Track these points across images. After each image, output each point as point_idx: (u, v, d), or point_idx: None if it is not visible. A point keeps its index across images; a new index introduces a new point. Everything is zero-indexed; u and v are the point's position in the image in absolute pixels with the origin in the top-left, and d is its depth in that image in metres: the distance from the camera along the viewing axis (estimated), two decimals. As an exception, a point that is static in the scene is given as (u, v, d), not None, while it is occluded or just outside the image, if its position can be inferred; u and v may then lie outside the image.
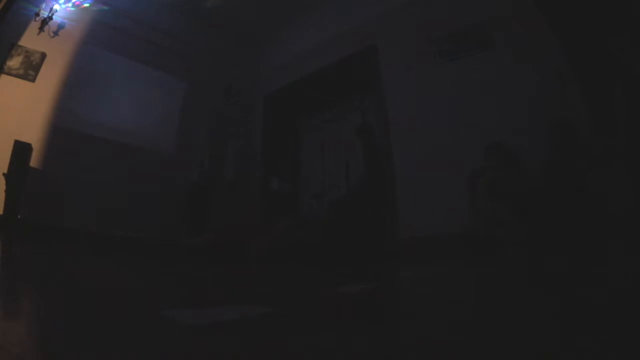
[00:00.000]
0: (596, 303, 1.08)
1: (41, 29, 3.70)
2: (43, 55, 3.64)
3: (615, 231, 1.96)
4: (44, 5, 3.73)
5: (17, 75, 3.53)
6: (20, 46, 3.57)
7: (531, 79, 2.79)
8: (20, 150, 3.18)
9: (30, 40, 3.65)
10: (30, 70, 3.57)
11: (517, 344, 0.79)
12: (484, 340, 0.85)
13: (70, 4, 3.86)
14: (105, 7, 4.05)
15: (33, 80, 3.55)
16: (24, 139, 3.24)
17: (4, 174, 3.07)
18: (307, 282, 2.29)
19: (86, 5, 3.96)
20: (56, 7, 3.79)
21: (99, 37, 3.98)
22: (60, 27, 3.79)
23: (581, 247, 1.99)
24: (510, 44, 2.97)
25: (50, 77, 3.66)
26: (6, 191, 3.04)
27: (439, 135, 3.19)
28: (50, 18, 3.74)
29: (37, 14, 3.68)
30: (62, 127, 3.64)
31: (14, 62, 3.54)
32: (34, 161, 3.31)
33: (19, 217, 3.07)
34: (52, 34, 3.73)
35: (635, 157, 2.15)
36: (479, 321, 1.04)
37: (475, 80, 3.09)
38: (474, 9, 3.17)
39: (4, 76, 3.44)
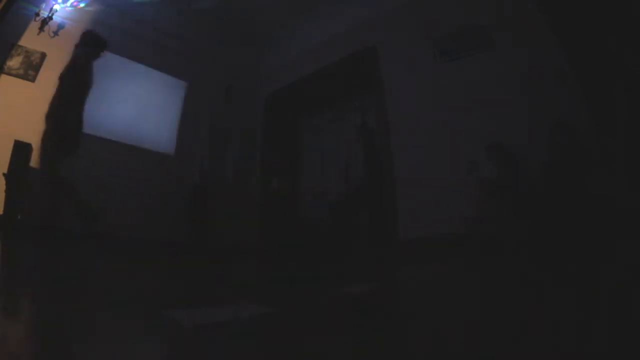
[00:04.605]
0: (597, 302, 1.08)
1: (41, 29, 3.70)
2: (43, 55, 3.64)
3: (615, 231, 1.96)
4: (44, 5, 3.72)
5: (17, 75, 3.52)
6: (20, 46, 3.57)
7: (531, 79, 2.79)
8: (20, 150, 3.17)
9: (30, 40, 3.64)
10: (30, 70, 3.57)
11: (518, 344, 0.79)
12: (485, 340, 0.85)
13: (69, 4, 3.86)
14: (105, 7, 4.05)
15: (33, 80, 3.55)
16: (24, 139, 3.24)
17: (4, 174, 3.07)
18: (307, 281, 2.29)
19: (85, 5, 3.96)
20: (56, 7, 3.78)
21: (98, 37, 3.98)
22: (60, 27, 3.78)
23: (581, 247, 1.99)
24: (510, 44, 2.97)
25: (50, 77, 3.66)
26: (6, 191, 3.04)
27: (439, 135, 3.19)
28: (50, 18, 3.74)
29: (37, 14, 3.67)
30: (62, 127, 3.63)
31: (14, 62, 3.54)
32: (34, 161, 3.31)
33: (19, 217, 3.07)
34: (52, 34, 3.72)
35: (635, 157, 2.15)
36: (480, 321, 1.04)
37: (476, 80, 3.09)
38: (474, 9, 3.17)
39: (4, 76, 3.44)
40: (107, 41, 3.07)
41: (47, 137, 2.79)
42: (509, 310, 1.13)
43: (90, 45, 3.01)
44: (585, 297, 1.19)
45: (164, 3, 4.46)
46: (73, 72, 2.94)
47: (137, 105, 4.27)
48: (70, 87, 2.92)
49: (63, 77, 2.94)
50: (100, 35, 3.08)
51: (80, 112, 2.95)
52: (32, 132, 3.41)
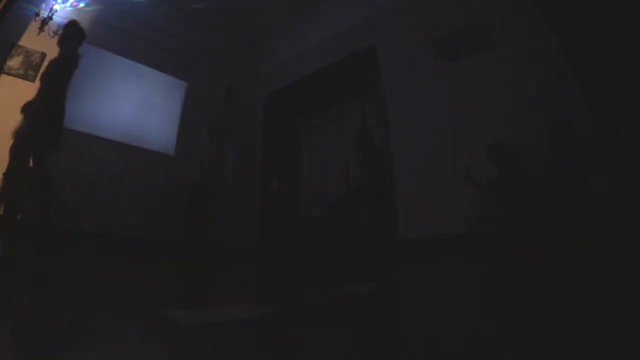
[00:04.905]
0: (597, 302, 1.07)
1: (41, 29, 3.70)
2: (43, 55, 3.64)
3: (615, 231, 1.96)
4: (44, 5, 3.73)
5: (17, 75, 3.52)
6: (20, 46, 3.57)
7: (531, 79, 2.78)
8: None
9: (30, 40, 3.65)
10: (30, 70, 3.57)
11: (518, 343, 0.79)
12: (484, 339, 0.85)
13: (68, 4, 3.86)
14: (105, 7, 4.05)
15: (33, 80, 3.55)
16: (24, 139, 3.23)
17: (4, 174, 3.06)
18: (307, 281, 2.29)
19: (85, 5, 3.97)
20: (56, 7, 3.79)
21: (98, 37, 3.98)
22: (60, 27, 3.77)
23: (580, 247, 1.99)
24: (510, 44, 2.97)
25: (50, 77, 3.66)
26: (6, 191, 3.03)
27: (439, 135, 3.18)
28: (50, 18, 3.74)
29: (37, 14, 3.68)
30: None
31: (14, 62, 3.54)
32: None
33: (19, 217, 3.07)
34: (52, 34, 3.73)
35: (635, 158, 2.15)
36: (480, 321, 1.04)
37: (475, 80, 3.09)
38: (474, 9, 3.17)
39: (4, 76, 3.44)
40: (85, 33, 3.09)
41: (32, 132, 2.76)
42: (508, 310, 1.13)
43: (76, 38, 3.00)
44: (585, 297, 1.19)
45: (164, 3, 4.46)
46: (62, 67, 2.92)
47: (137, 105, 4.27)
48: (59, 83, 2.90)
49: (50, 72, 2.91)
50: (82, 26, 3.09)
51: (64, 106, 2.93)
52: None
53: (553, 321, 0.95)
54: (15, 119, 3.27)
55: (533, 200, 2.51)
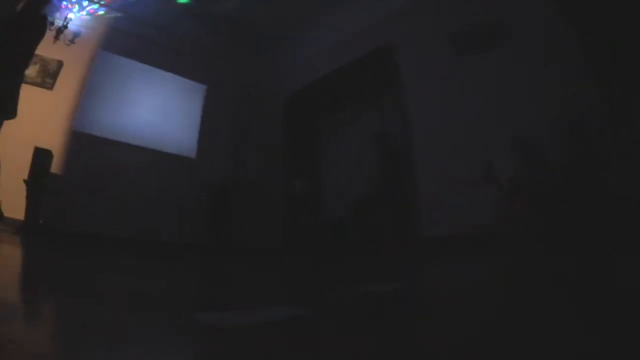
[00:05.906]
0: (609, 301, 1.06)
1: (57, 37, 3.76)
2: (60, 64, 3.69)
3: (631, 229, 1.94)
4: (58, 15, 3.79)
5: (34, 84, 3.56)
6: (36, 55, 3.62)
7: (549, 74, 2.75)
8: (41, 156, 3.22)
9: (46, 49, 3.69)
10: (48, 78, 3.62)
11: (536, 343, 0.78)
12: (505, 339, 0.84)
13: (85, 12, 3.92)
14: (119, 14, 4.10)
15: (51, 88, 3.61)
16: (44, 145, 3.29)
17: (24, 181, 3.11)
18: (331, 281, 2.29)
19: (101, 12, 4.03)
20: (71, 15, 3.85)
21: (115, 43, 4.03)
22: (76, 35, 3.85)
23: (596, 245, 1.97)
24: (529, 40, 2.92)
25: (68, 84, 3.71)
26: (27, 197, 3.08)
27: (459, 133, 3.15)
28: (65, 27, 3.80)
29: (52, 23, 3.73)
30: (82, 133, 3.69)
31: (31, 71, 3.57)
32: (55, 167, 3.36)
33: (40, 222, 3.11)
34: (67, 42, 3.78)
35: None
36: (501, 320, 1.03)
37: (493, 77, 3.06)
38: (490, 4, 3.14)
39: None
40: None
41: None
42: (531, 308, 1.12)
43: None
44: (603, 294, 1.18)
45: (179, 8, 4.49)
46: (25, 34, 2.55)
47: (158, 110, 4.29)
48: (22, 50, 2.55)
49: (13, 35, 2.50)
50: None
51: (23, 75, 2.54)
52: (52, 138, 3.47)
53: (572, 320, 0.94)
54: (33, 127, 3.32)
55: (552, 197, 2.49)
